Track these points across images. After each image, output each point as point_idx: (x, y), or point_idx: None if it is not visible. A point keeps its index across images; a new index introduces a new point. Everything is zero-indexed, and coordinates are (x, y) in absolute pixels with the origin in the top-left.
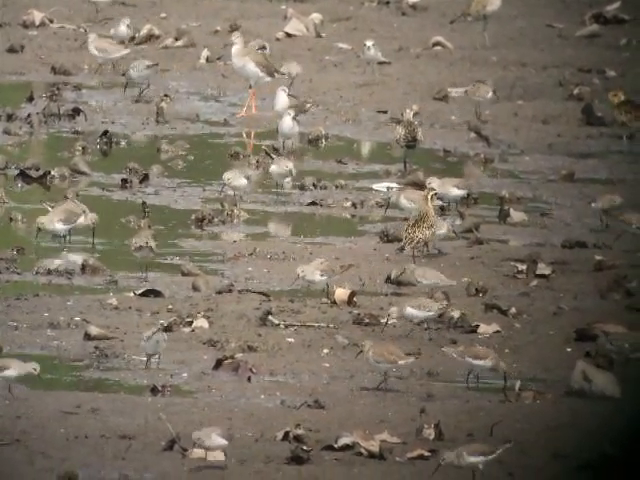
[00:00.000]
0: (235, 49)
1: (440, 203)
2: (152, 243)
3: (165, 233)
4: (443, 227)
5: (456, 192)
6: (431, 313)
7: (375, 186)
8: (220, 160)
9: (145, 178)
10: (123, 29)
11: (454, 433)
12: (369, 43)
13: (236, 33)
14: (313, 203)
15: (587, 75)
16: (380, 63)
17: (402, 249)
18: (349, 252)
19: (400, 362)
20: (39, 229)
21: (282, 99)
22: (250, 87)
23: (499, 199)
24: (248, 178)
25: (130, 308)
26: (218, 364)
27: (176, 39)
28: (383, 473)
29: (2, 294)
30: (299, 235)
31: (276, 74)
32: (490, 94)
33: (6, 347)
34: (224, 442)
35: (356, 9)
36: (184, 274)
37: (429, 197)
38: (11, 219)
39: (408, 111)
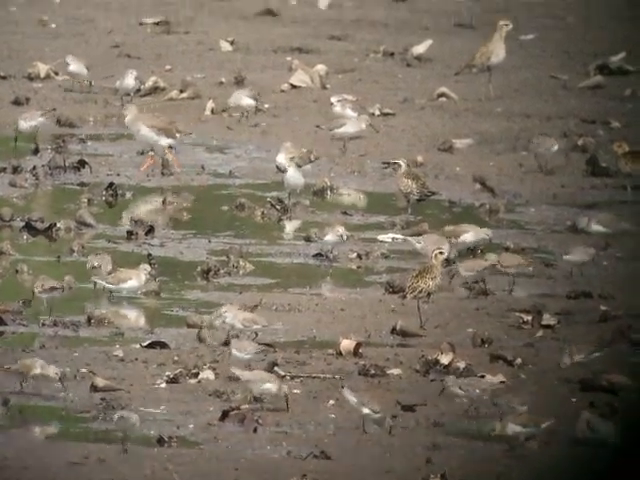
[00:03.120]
0: (128, 118)
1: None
2: (64, 284)
3: (171, 285)
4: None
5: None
6: (249, 356)
7: (380, 237)
8: (225, 212)
9: (151, 230)
10: (130, 81)
11: None
12: (334, 99)
13: (127, 105)
14: (319, 254)
15: (591, 126)
16: (385, 114)
17: (404, 297)
18: (355, 303)
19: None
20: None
21: (283, 152)
22: (170, 147)
23: (504, 250)
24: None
25: (136, 360)
26: (224, 415)
27: (181, 91)
28: None
29: (9, 346)
30: (305, 286)
31: (178, 134)
32: (555, 147)
33: (13, 399)
34: None
35: (361, 60)
36: (190, 326)
37: (436, 255)
38: (17, 271)
39: (402, 163)
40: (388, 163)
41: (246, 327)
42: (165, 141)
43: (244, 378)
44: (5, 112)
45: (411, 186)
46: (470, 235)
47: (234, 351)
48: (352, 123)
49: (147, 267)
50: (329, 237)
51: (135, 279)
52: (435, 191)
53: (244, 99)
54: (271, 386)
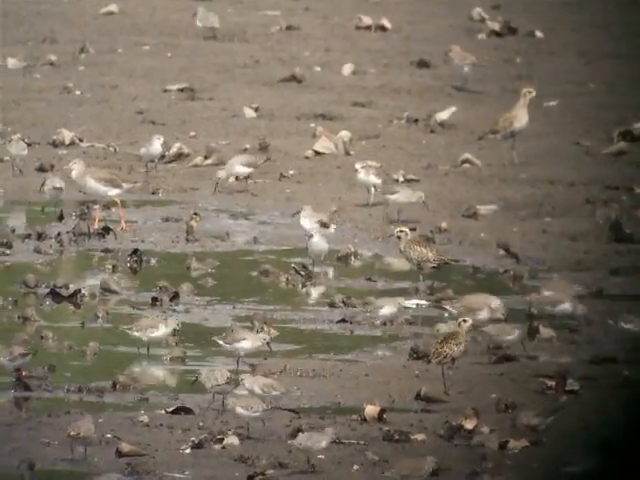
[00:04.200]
0: (74, 172)
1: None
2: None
3: (196, 351)
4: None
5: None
6: (257, 414)
7: (405, 303)
8: (249, 278)
9: (175, 296)
10: (157, 146)
11: None
12: (358, 166)
13: (74, 160)
14: (343, 320)
15: (615, 192)
16: (409, 180)
17: (429, 361)
18: (379, 369)
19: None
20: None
21: (305, 218)
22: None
23: (528, 316)
24: None
25: (161, 425)
26: None
27: (205, 157)
28: None
29: (34, 411)
30: (329, 352)
31: (125, 185)
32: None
33: (38, 463)
34: None
35: (385, 127)
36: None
37: (461, 322)
38: (42, 337)
39: (405, 232)
40: (413, 229)
41: (265, 393)
42: (112, 192)
43: (306, 439)
44: (30, 179)
45: (427, 254)
46: (568, 305)
47: (239, 409)
48: (405, 193)
49: (266, 337)
50: (384, 310)
51: (250, 340)
52: (453, 259)
53: (237, 167)
54: (326, 441)
